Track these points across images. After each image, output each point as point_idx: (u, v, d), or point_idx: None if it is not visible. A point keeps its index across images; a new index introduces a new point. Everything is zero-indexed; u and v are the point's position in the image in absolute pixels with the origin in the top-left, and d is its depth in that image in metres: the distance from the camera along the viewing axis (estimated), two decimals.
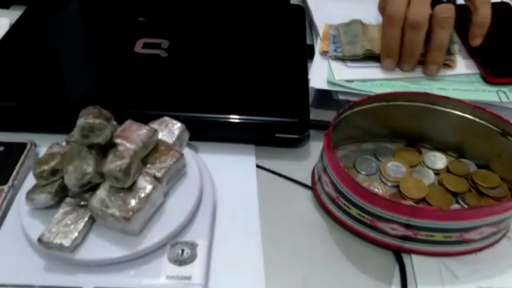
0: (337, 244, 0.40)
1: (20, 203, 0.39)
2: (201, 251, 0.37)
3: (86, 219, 0.36)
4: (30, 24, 0.59)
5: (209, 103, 0.49)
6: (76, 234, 0.35)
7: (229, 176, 0.45)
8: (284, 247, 0.40)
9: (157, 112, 0.46)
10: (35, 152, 0.47)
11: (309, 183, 0.45)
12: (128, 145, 0.37)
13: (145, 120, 0.42)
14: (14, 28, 0.58)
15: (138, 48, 0.55)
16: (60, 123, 0.49)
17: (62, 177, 0.37)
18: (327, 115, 0.50)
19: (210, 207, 0.40)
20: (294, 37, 0.57)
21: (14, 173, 0.43)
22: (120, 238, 0.36)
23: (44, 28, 0.59)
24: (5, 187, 0.42)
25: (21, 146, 0.46)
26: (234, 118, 0.47)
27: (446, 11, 0.48)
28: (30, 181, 0.42)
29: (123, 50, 0.55)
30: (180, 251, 0.37)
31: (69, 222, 0.36)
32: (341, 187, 0.38)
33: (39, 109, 0.48)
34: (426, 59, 0.51)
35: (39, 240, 0.35)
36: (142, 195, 0.36)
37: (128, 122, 0.39)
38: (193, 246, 0.37)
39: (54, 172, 0.37)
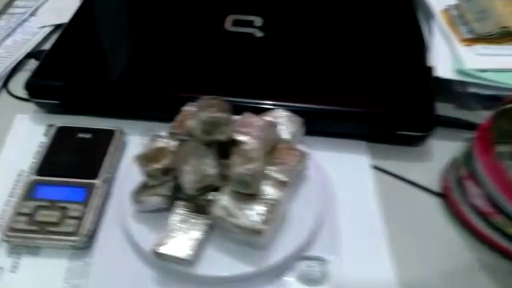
0: (488, 271, 0.34)
1: (121, 204, 0.34)
2: (334, 269, 0.32)
3: (204, 228, 0.31)
4: None
5: (315, 92, 0.42)
6: (195, 246, 0.30)
7: (343, 178, 0.39)
8: (420, 269, 0.34)
9: (251, 100, 0.41)
10: (123, 141, 0.42)
11: (436, 189, 0.39)
12: (254, 143, 0.31)
13: (236, 110, 0.37)
14: (87, 3, 0.53)
15: (228, 25, 0.49)
16: (146, 109, 0.44)
17: (175, 178, 0.32)
18: (442, 109, 0.43)
19: (334, 215, 0.35)
20: (404, 18, 0.50)
21: (106, 165, 0.39)
22: (242, 252, 0.31)
23: (124, 3, 0.53)
24: (98, 182, 0.37)
25: (108, 134, 0.42)
26: (348, 110, 0.41)
27: None
28: (122, 175, 0.38)
29: (211, 28, 0.49)
30: (309, 269, 0.32)
31: (185, 231, 0.31)
32: (502, 201, 0.32)
33: (123, 93, 0.43)
34: None
35: (155, 252, 0.30)
36: (272, 203, 0.30)
37: (247, 115, 0.34)
38: (323, 262, 0.32)
39: (166, 171, 0.32)
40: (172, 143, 0.35)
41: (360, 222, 0.37)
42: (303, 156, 0.34)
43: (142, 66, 0.45)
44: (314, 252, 0.33)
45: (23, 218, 0.35)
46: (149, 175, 0.32)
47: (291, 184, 0.33)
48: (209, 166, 0.30)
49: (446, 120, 0.42)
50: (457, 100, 0.46)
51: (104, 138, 0.41)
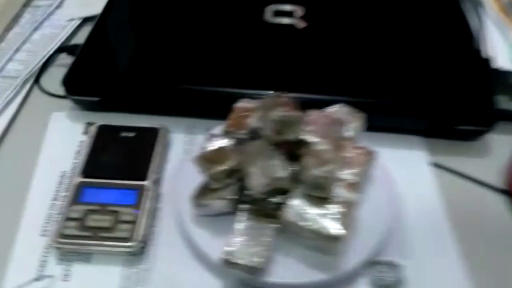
0: None
1: (178, 208, 0.32)
2: (407, 274, 0.30)
3: (272, 233, 0.29)
4: None
5: (369, 86, 0.40)
6: (266, 253, 0.28)
7: (404, 176, 0.37)
8: (490, 269, 0.33)
9: (298, 95, 0.38)
10: (168, 139, 0.40)
11: (499, 185, 0.37)
12: (325, 143, 0.29)
13: None
14: None
15: (268, 16, 0.47)
16: (190, 106, 0.42)
17: (239, 180, 0.30)
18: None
19: (400, 216, 0.33)
20: (449, 8, 0.48)
21: (154, 166, 0.37)
22: (313, 258, 0.29)
23: None
24: (148, 183, 0.35)
25: (153, 132, 0.39)
26: (407, 104, 0.39)
27: None
28: (171, 176, 0.36)
29: (251, 20, 0.47)
30: (382, 274, 0.30)
31: (253, 237, 0.29)
32: None
33: (167, 89, 0.41)
34: None
35: (224, 260, 0.28)
36: (347, 206, 0.29)
37: (311, 113, 0.32)
38: (396, 268, 0.30)
39: (231, 173, 0.30)
40: (229, 143, 0.33)
41: (426, 223, 0.35)
42: (370, 155, 0.32)
43: (182, 60, 0.43)
44: (385, 256, 0.31)
45: (73, 224, 0.33)
46: (213, 177, 0.30)
47: (361, 185, 0.31)
48: (280, 168, 0.28)
49: (509, 114, 0.40)
50: (510, 91, 0.44)
51: (148, 137, 0.39)
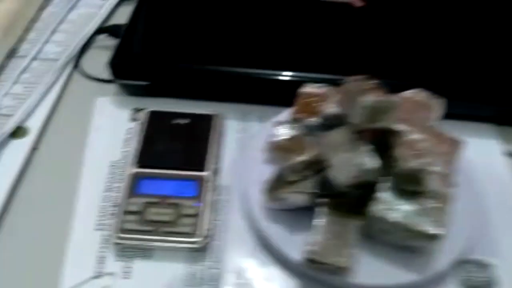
0: None
1: (245, 200, 0.30)
2: (503, 276, 0.28)
3: (356, 230, 0.27)
4: None
5: (435, 69, 0.38)
6: (352, 251, 0.26)
7: (476, 166, 0.34)
8: None
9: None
10: (223, 127, 0.38)
11: None
12: (417, 132, 0.27)
13: None
14: None
15: None
16: (241, 91, 0.39)
17: (318, 171, 0.28)
18: None
19: (483, 212, 0.31)
20: None
21: (212, 155, 0.34)
22: (400, 257, 0.27)
23: None
24: (208, 174, 0.33)
25: (207, 119, 0.37)
26: (476, 90, 0.37)
27: None
28: (229, 165, 0.34)
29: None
30: (471, 274, 0.28)
31: (336, 234, 0.26)
32: None
33: (224, 72, 0.38)
34: None
35: (308, 259, 0.26)
36: (442, 201, 0.26)
37: (404, 97, 0.29)
38: (486, 267, 0.28)
39: (310, 164, 0.27)
40: (300, 131, 0.30)
41: (508, 218, 0.32)
42: (457, 144, 0.30)
43: (236, 41, 0.40)
44: (474, 255, 0.29)
45: (132, 217, 0.31)
46: (291, 169, 0.27)
47: (453, 178, 0.28)
48: (368, 159, 0.26)
49: None
50: None
51: (203, 124, 0.36)
